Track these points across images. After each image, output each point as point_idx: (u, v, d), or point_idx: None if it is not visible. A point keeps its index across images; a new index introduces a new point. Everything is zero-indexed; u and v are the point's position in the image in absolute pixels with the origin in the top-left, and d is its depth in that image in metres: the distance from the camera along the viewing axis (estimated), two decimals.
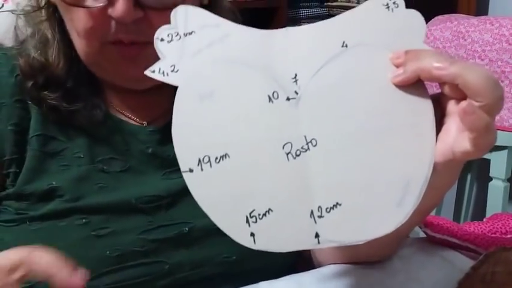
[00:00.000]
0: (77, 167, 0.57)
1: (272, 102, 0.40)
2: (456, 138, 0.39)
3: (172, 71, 0.41)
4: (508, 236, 0.66)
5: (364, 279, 0.57)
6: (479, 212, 1.74)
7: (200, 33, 0.42)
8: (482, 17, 1.46)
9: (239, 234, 0.38)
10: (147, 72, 0.41)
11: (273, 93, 0.40)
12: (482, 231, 0.68)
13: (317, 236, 0.38)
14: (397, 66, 0.40)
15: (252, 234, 0.38)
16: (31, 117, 0.57)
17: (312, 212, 0.39)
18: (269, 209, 0.39)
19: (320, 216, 0.39)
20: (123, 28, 0.52)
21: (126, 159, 0.59)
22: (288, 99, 0.40)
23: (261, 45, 0.42)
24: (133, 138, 0.60)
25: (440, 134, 0.40)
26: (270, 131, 0.40)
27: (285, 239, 0.39)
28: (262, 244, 0.38)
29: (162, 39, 0.42)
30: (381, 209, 0.39)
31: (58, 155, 0.57)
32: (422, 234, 0.66)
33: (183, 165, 0.39)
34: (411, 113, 0.40)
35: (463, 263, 0.61)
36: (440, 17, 1.54)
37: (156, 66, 0.41)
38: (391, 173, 0.39)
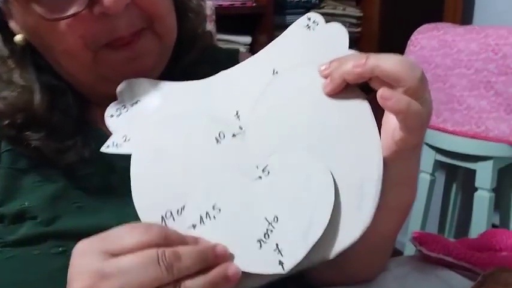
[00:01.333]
0: (53, 183, 0.51)
1: (220, 142, 0.41)
2: (394, 128, 0.40)
3: (124, 141, 0.42)
4: (503, 253, 0.64)
5: None
6: (464, 223, 1.73)
7: (144, 100, 0.45)
8: (469, 26, 1.46)
9: None
10: (103, 149, 0.43)
11: (219, 134, 0.42)
12: (476, 248, 0.66)
13: (281, 263, 0.37)
14: (326, 77, 0.42)
15: None
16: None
17: (276, 244, 0.38)
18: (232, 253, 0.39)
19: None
20: (119, 23, 0.47)
21: (108, 176, 0.53)
22: (233, 135, 0.42)
23: (201, 94, 0.44)
24: (116, 155, 0.55)
25: (381, 129, 0.41)
26: (223, 174, 0.40)
27: (251, 276, 0.38)
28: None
29: (111, 115, 0.45)
30: (343, 217, 0.39)
31: (32, 171, 0.51)
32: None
33: None
34: (350, 117, 0.41)
35: (460, 283, 0.59)
36: (427, 25, 1.53)
37: (110, 141, 0.43)
38: (345, 180, 0.39)
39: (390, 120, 0.40)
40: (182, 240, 0.37)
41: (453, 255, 0.61)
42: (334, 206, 0.38)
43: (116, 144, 0.43)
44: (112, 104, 0.45)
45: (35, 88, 0.50)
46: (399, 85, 0.38)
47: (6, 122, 0.50)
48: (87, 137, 0.52)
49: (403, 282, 0.58)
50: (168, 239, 0.36)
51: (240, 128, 0.42)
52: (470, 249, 0.64)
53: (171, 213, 0.39)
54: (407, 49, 1.55)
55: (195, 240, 0.38)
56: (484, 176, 1.42)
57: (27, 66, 0.51)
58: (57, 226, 0.49)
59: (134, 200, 0.40)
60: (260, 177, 0.40)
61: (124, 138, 0.43)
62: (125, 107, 0.45)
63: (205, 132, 0.42)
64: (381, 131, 0.41)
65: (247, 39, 1.65)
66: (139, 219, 0.50)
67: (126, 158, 0.54)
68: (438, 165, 1.58)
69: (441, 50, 1.46)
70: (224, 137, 0.42)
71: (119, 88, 0.46)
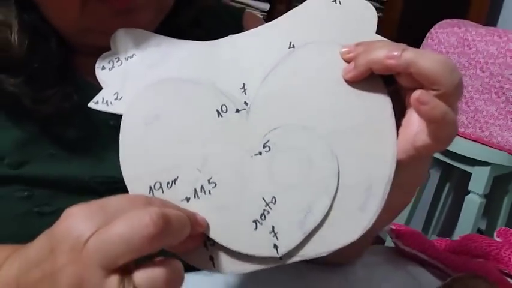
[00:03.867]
0: (26, 126, 0.47)
1: (221, 116, 0.38)
2: (417, 131, 0.36)
3: (115, 99, 0.39)
4: (480, 260, 0.64)
5: (322, 284, 0.54)
6: (451, 224, 1.73)
7: (141, 56, 0.40)
8: (492, 28, 1.42)
9: (198, 259, 0.36)
10: (91, 104, 0.39)
11: (222, 107, 0.38)
12: (452, 250, 0.65)
13: (275, 247, 0.35)
14: (348, 61, 0.38)
15: (211, 258, 0.36)
16: None
17: (272, 226, 0.36)
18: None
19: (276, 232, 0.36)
20: None
21: (85, 127, 0.49)
22: (237, 111, 0.38)
23: (205, 59, 0.40)
24: None
25: (401, 129, 0.37)
26: (222, 148, 0.37)
27: (244, 261, 0.36)
28: (221, 267, 0.36)
29: (103, 67, 0.40)
30: (343, 215, 0.36)
31: (1, 111, 0.47)
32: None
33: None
34: (368, 110, 0.37)
35: (429, 281, 0.58)
36: (449, 20, 1.50)
37: (99, 97, 0.39)
38: (351, 176, 0.36)
39: (413, 123, 0.36)
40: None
41: (427, 253, 0.60)
42: (335, 199, 0.36)
43: (106, 102, 0.39)
44: (104, 55, 0.41)
45: (13, 25, 0.45)
46: (434, 88, 0.34)
47: None
48: (69, 88, 0.48)
49: (371, 271, 0.58)
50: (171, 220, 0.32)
51: (245, 103, 0.38)
52: (447, 250, 0.64)
53: (161, 184, 0.36)
54: (424, 42, 1.52)
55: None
56: (479, 180, 1.41)
57: (14, 6, 0.45)
58: (26, 170, 0.46)
59: (122, 167, 0.37)
60: (260, 153, 0.37)
61: (116, 95, 0.39)
62: (118, 60, 0.40)
63: (206, 103, 0.38)
64: (399, 132, 0.37)
65: (266, 5, 1.61)
66: (112, 176, 0.48)
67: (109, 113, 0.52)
68: (434, 162, 1.57)
69: (459, 48, 1.43)
70: (227, 110, 0.38)
71: (113, 37, 0.41)
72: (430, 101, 0.34)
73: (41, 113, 0.46)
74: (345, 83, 0.38)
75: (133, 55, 0.41)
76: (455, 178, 1.73)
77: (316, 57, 0.39)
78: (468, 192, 1.44)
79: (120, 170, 0.39)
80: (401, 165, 0.36)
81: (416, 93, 0.34)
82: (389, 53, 0.35)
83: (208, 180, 0.36)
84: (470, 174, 1.44)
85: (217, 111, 0.38)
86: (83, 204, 0.31)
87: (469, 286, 0.52)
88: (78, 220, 0.30)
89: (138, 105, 0.38)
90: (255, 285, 0.52)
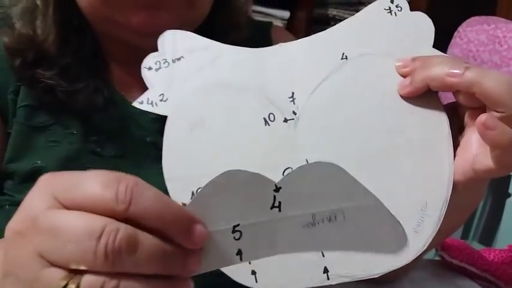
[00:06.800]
0: (68, 144, 0.49)
1: (268, 125, 0.37)
2: (477, 153, 0.34)
3: (161, 100, 0.38)
4: None
5: None
6: (491, 230, 1.66)
7: (189, 58, 0.39)
8: None
9: (239, 273, 0.34)
10: (135, 104, 0.38)
11: (269, 116, 0.37)
12: (503, 260, 0.61)
13: (326, 271, 0.34)
14: (404, 75, 0.36)
15: (254, 273, 0.34)
16: (21, 85, 0.50)
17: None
18: None
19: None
20: None
21: (122, 144, 0.51)
22: (285, 120, 0.37)
23: (254, 65, 0.39)
24: (133, 122, 0.52)
25: (459, 149, 0.35)
26: (268, 157, 0.36)
27: (290, 276, 0.34)
28: (264, 283, 0.34)
29: (149, 68, 0.39)
30: (396, 238, 0.34)
31: (47, 130, 0.50)
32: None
33: (176, 199, 0.34)
34: (424, 128, 0.36)
35: None
36: (477, 17, 1.45)
37: (144, 97, 0.38)
38: (405, 197, 0.35)
39: (473, 144, 0.34)
40: (162, 218, 0.27)
41: (477, 266, 0.56)
42: (389, 224, 0.34)
43: (151, 102, 0.38)
44: (151, 55, 0.40)
45: (48, 17, 0.47)
46: (498, 110, 0.32)
47: (18, 61, 0.48)
48: (100, 82, 0.50)
49: (419, 287, 0.54)
50: (139, 208, 0.26)
51: (294, 112, 0.37)
52: (497, 261, 0.59)
53: None
54: (452, 41, 1.48)
55: (189, 222, 0.28)
56: None
57: None
58: None
59: (164, 168, 0.36)
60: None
61: (161, 97, 0.38)
62: (165, 62, 0.40)
63: (254, 110, 0.37)
64: (457, 152, 0.35)
65: (286, 13, 1.59)
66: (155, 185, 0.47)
67: (143, 129, 0.52)
68: None
69: (489, 46, 1.39)
70: (274, 119, 0.37)
71: (161, 37, 0.40)
72: (497, 126, 0.32)
73: (77, 107, 0.48)
74: (399, 97, 0.36)
75: (181, 57, 0.40)
76: (494, 180, 1.67)
77: (369, 70, 0.37)
78: (509, 195, 1.39)
79: (156, 183, 0.38)
80: (458, 187, 0.34)
81: (482, 118, 0.32)
82: (451, 71, 0.33)
83: None
84: (510, 176, 1.38)
85: (265, 119, 0.37)
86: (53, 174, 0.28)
87: None
88: (37, 193, 0.27)
89: (184, 108, 0.37)
90: None
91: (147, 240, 0.26)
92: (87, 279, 0.25)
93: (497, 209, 1.56)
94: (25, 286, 0.26)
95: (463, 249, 0.58)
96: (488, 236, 1.69)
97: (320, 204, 0.34)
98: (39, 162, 0.48)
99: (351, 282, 0.41)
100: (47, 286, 0.25)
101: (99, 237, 0.25)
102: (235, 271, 0.34)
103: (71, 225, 0.25)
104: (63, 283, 0.25)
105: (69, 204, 0.26)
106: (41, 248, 0.26)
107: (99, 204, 0.26)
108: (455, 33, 1.47)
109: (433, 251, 0.63)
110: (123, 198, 0.26)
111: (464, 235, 1.78)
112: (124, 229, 0.25)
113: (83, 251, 0.25)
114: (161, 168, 0.39)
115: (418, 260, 0.34)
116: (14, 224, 0.27)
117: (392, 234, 0.34)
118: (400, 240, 0.34)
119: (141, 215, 0.26)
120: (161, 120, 0.39)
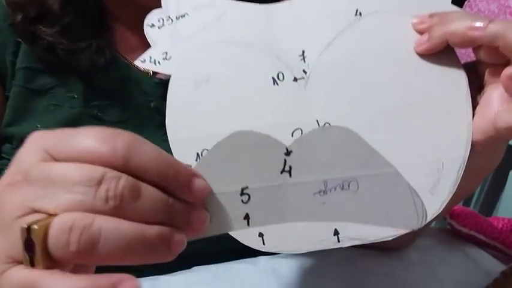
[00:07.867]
0: (68, 108, 0.49)
1: (277, 84, 0.35)
2: (499, 110, 0.33)
3: (164, 58, 0.37)
4: None
5: (376, 268, 0.51)
6: (493, 200, 1.67)
7: (193, 15, 0.38)
8: None
9: (246, 236, 0.33)
10: (137, 63, 0.36)
11: (278, 74, 0.36)
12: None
13: (336, 233, 0.33)
14: (421, 32, 0.35)
15: (261, 235, 0.33)
16: (20, 46, 0.49)
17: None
18: None
19: None
20: None
21: (125, 109, 0.51)
22: (295, 79, 0.35)
23: (262, 22, 0.37)
24: (136, 87, 0.52)
25: (479, 108, 0.34)
26: (276, 117, 0.35)
27: (299, 238, 0.34)
28: (272, 246, 0.33)
29: (152, 25, 0.37)
30: (410, 198, 0.34)
31: (47, 93, 0.49)
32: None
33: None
34: (441, 86, 0.35)
35: (489, 264, 0.55)
36: None
37: (146, 55, 0.37)
38: (421, 157, 0.34)
39: (494, 101, 0.34)
40: (161, 172, 0.26)
41: (486, 234, 0.56)
42: (405, 192, 0.34)
43: (154, 61, 0.37)
44: (154, 12, 0.38)
45: None
46: None
47: (20, 16, 0.46)
48: (103, 42, 0.49)
49: (426, 255, 0.54)
50: (139, 161, 0.25)
51: (304, 71, 0.36)
52: (506, 229, 0.60)
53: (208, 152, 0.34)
54: None
55: (189, 176, 0.28)
56: None
57: None
58: None
59: (167, 130, 0.35)
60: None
61: (164, 55, 0.37)
62: (169, 19, 0.38)
63: (262, 68, 0.36)
64: (476, 111, 0.35)
65: None
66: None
67: (146, 94, 0.51)
68: None
69: (501, 16, 1.36)
70: (283, 78, 0.36)
71: None
72: None
73: (77, 66, 0.47)
74: (416, 55, 0.35)
75: (185, 14, 0.38)
76: None
77: (384, 27, 0.36)
78: None
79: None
80: (477, 147, 0.34)
81: (508, 71, 0.31)
82: (473, 24, 0.32)
83: None
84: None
85: (273, 78, 0.35)
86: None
87: None
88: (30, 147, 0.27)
89: (188, 66, 0.36)
90: (302, 270, 0.50)
91: (149, 189, 0.25)
92: (59, 218, 0.23)
93: (500, 179, 1.56)
94: (3, 236, 0.24)
95: (473, 217, 0.58)
96: (489, 206, 1.70)
97: (333, 170, 0.33)
98: (39, 125, 0.48)
99: (356, 248, 0.41)
100: (19, 231, 0.23)
101: (99, 184, 0.23)
102: (241, 233, 0.33)
103: (67, 173, 0.24)
104: (29, 222, 0.23)
105: (64, 158, 0.25)
106: (29, 197, 0.24)
107: (97, 157, 0.24)
108: (466, 2, 1.45)
109: (441, 220, 0.63)
110: (122, 152, 0.25)
111: (466, 205, 1.79)
112: (126, 177, 0.24)
113: (79, 199, 0.23)
114: (165, 134, 0.38)
115: (426, 226, 0.34)
116: (5, 178, 0.26)
117: (408, 200, 0.33)
118: (415, 202, 0.33)
119: (140, 169, 0.25)
120: (165, 84, 0.38)
